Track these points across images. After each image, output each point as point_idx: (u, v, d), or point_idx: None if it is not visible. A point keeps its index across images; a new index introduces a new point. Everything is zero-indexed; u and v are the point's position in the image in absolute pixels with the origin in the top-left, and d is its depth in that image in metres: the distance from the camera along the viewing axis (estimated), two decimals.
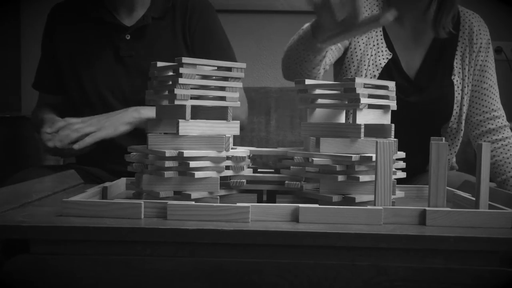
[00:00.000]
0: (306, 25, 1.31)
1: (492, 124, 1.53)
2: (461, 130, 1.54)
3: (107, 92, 1.50)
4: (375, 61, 1.48)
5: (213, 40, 1.54)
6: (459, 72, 1.52)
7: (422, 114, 1.49)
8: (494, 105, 1.54)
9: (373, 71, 1.48)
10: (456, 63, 1.52)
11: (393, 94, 1.01)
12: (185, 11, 1.53)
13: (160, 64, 0.99)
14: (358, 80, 0.94)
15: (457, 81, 1.51)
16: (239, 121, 1.00)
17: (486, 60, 1.54)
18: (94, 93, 1.51)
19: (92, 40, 1.51)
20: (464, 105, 1.52)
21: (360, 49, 1.49)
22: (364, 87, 0.95)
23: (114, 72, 1.50)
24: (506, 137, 1.52)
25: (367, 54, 1.49)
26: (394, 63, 1.50)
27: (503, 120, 1.54)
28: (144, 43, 1.50)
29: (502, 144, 1.51)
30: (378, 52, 1.49)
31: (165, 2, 1.52)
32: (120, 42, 1.49)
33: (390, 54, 1.49)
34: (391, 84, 1.00)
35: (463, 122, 1.54)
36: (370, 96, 0.96)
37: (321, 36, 1.17)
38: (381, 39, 1.50)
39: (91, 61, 1.51)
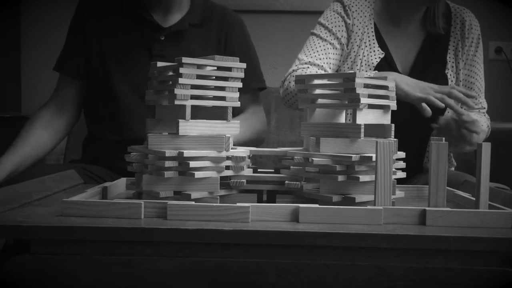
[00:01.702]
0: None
1: (474, 110, 1.54)
2: None
3: (131, 86, 1.50)
4: (368, 61, 1.50)
5: (248, 57, 1.58)
6: (452, 66, 1.53)
7: (415, 109, 1.49)
8: (477, 99, 1.55)
9: (366, 71, 1.49)
10: (449, 57, 1.53)
11: (393, 94, 1.01)
12: (222, 23, 1.57)
13: (160, 64, 0.99)
14: (358, 80, 0.94)
15: (450, 75, 1.53)
16: (238, 121, 1.00)
17: (475, 55, 1.56)
18: (119, 85, 1.50)
19: (125, 34, 1.52)
20: None
21: (354, 51, 1.51)
22: (364, 87, 0.95)
23: (142, 69, 1.50)
24: (482, 115, 1.54)
25: (359, 55, 1.50)
26: (387, 61, 1.51)
27: (484, 110, 1.56)
28: (177, 46, 1.51)
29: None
30: (371, 52, 1.51)
31: (204, 10, 1.56)
32: (154, 41, 1.50)
33: (383, 53, 1.50)
34: (391, 84, 1.00)
35: None
36: (370, 96, 0.96)
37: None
38: (373, 39, 1.52)
39: (122, 54, 1.51)
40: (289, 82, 1.48)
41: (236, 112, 1.54)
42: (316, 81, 1.02)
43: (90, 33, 1.54)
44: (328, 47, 1.51)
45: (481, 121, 1.47)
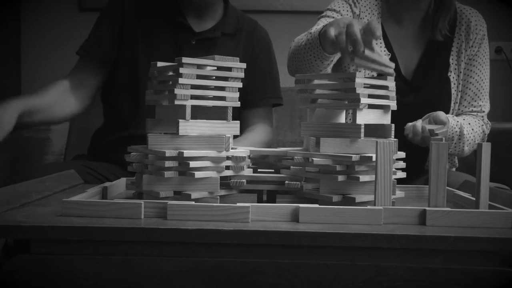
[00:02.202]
0: (314, 29, 1.32)
1: (472, 112, 1.52)
2: None
3: None
4: None
5: (271, 72, 1.64)
6: (455, 69, 1.52)
7: (419, 114, 1.48)
8: (476, 101, 1.53)
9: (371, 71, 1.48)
10: (452, 59, 1.52)
11: (393, 94, 1.01)
12: (251, 36, 1.61)
13: (160, 64, 0.99)
14: (358, 80, 0.94)
15: (453, 77, 1.51)
16: (239, 121, 1.00)
17: (476, 55, 1.53)
18: (145, 81, 1.50)
19: (158, 34, 1.53)
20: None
21: None
22: (364, 87, 0.95)
23: None
24: (478, 119, 1.51)
25: None
26: None
27: (483, 114, 1.53)
28: (206, 52, 1.50)
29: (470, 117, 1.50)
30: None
31: (237, 22, 1.59)
32: (185, 43, 1.52)
33: (389, 54, 1.49)
34: (391, 84, 1.00)
35: None
36: (370, 96, 0.96)
37: (328, 47, 1.22)
38: (380, 39, 1.50)
39: (152, 52, 1.52)
40: (290, 47, 1.46)
41: (246, 125, 1.57)
42: (316, 81, 1.02)
43: (125, 26, 1.55)
44: None
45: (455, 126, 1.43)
